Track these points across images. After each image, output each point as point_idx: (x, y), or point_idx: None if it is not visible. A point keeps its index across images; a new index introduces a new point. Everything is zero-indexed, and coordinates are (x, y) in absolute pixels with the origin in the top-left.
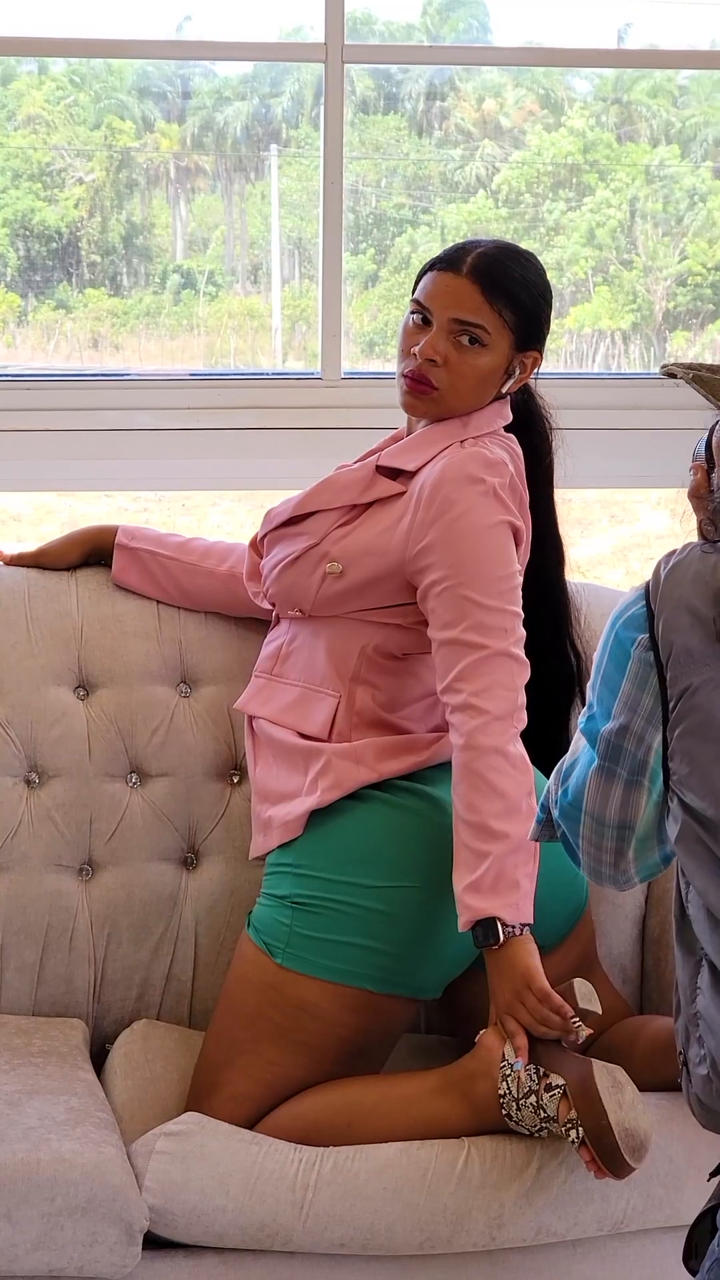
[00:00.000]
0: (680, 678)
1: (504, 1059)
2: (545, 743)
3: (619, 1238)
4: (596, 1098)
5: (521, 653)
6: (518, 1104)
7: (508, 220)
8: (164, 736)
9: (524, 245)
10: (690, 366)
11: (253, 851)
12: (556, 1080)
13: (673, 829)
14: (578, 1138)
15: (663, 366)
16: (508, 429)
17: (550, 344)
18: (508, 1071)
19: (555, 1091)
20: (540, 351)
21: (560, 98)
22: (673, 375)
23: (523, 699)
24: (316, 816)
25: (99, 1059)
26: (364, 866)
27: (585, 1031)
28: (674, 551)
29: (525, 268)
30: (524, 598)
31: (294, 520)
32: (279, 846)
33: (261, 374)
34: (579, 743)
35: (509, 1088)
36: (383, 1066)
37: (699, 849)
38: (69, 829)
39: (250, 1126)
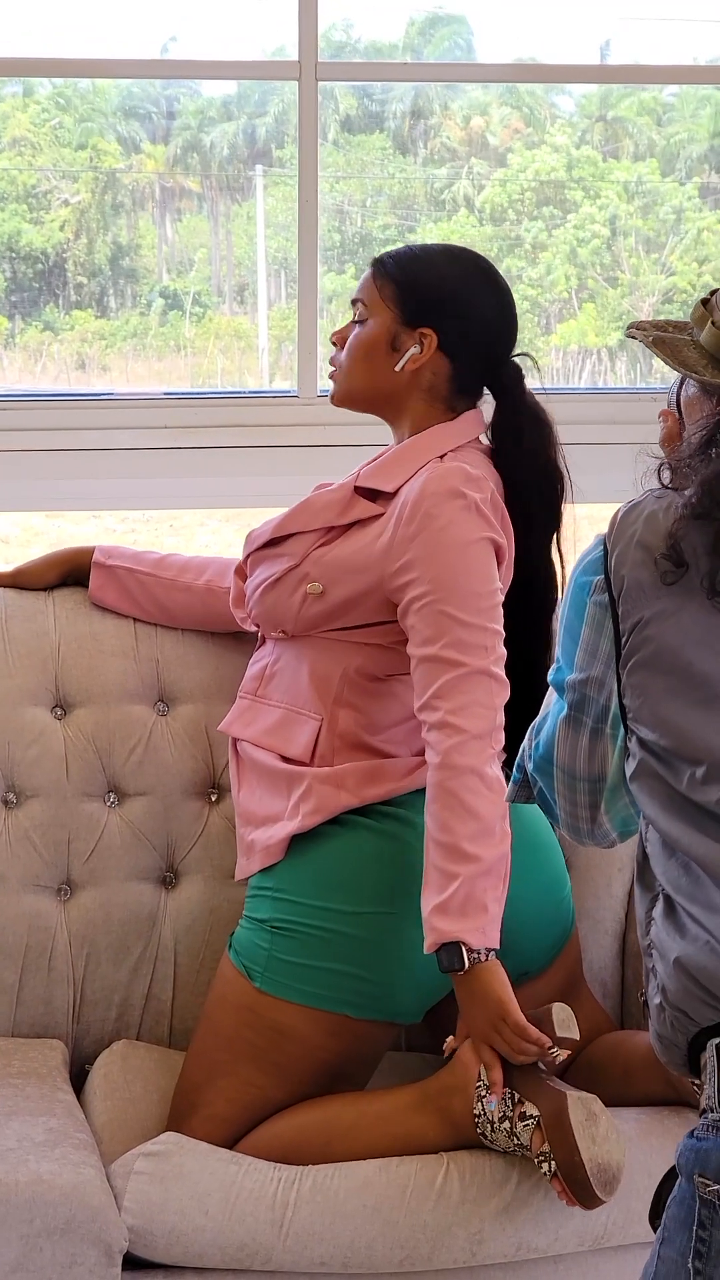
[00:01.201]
0: (632, 611)
1: (479, 1079)
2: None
3: (600, 1253)
4: (570, 1132)
5: (501, 672)
6: (492, 1126)
7: (491, 239)
8: (142, 755)
9: (507, 263)
10: (655, 325)
11: (237, 874)
12: (531, 1110)
13: (630, 767)
14: (550, 1171)
15: (627, 328)
16: (497, 446)
17: (537, 360)
18: (483, 1093)
19: (529, 1122)
20: (435, 330)
21: (545, 116)
22: (634, 336)
23: (501, 719)
24: (298, 841)
25: (79, 1080)
26: (343, 892)
27: (562, 1056)
28: (632, 499)
29: (427, 254)
30: (509, 615)
31: (274, 542)
32: (260, 870)
33: (238, 393)
34: (549, 697)
35: (482, 1108)
36: (364, 1088)
37: (652, 782)
38: (47, 849)
39: (229, 1147)
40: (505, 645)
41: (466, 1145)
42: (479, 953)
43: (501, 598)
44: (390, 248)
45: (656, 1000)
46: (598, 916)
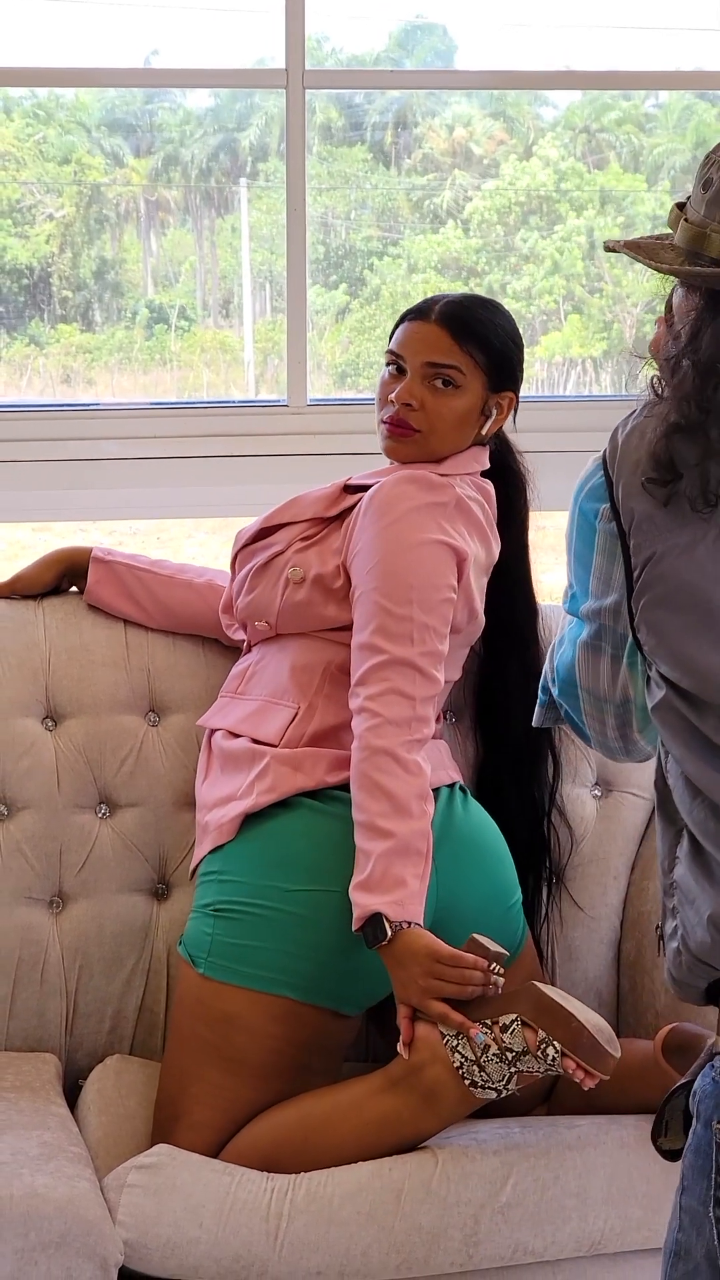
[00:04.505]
0: (643, 545)
1: (443, 1035)
2: (516, 801)
3: (597, 1261)
4: (557, 1008)
5: (430, 667)
6: (479, 1065)
7: (479, 251)
8: (133, 766)
9: (495, 274)
10: (628, 240)
11: (192, 862)
12: (507, 1018)
13: (653, 698)
14: (557, 1053)
15: (605, 245)
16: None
17: (522, 372)
18: (455, 1043)
19: (513, 1027)
20: (516, 394)
21: (528, 127)
22: (613, 249)
23: (424, 712)
24: (249, 824)
25: (72, 1094)
26: (283, 870)
27: (502, 976)
28: (631, 414)
29: (493, 313)
30: (493, 648)
31: (262, 534)
32: (210, 852)
33: (228, 402)
34: (565, 619)
35: (463, 1056)
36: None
37: (673, 718)
38: (39, 861)
39: (215, 1154)
40: (493, 658)
41: (443, 1119)
42: (399, 924)
43: (450, 597)
44: (446, 299)
45: (675, 944)
46: (593, 926)
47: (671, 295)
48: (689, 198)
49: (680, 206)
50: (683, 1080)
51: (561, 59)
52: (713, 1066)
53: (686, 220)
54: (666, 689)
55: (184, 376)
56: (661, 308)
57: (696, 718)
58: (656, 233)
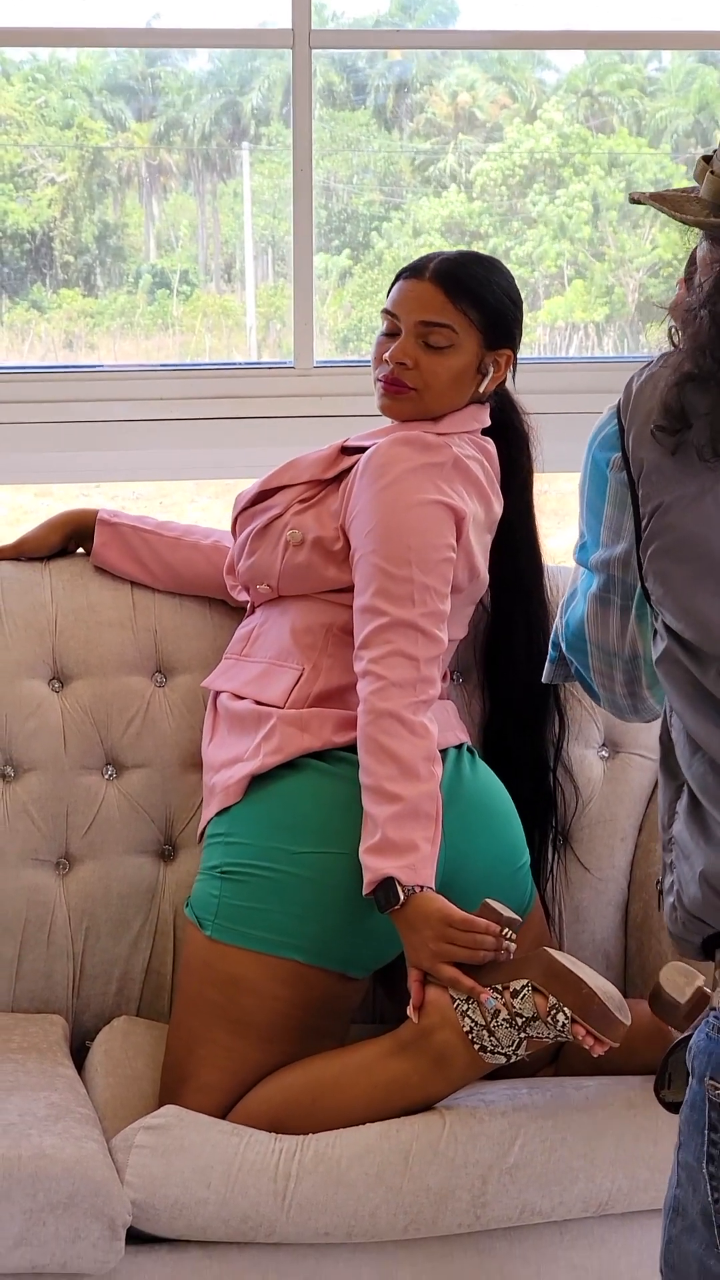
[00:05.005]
0: (652, 495)
1: (454, 1000)
2: (522, 760)
3: (605, 1222)
4: (568, 974)
5: (432, 627)
6: (489, 1030)
7: (482, 214)
8: (139, 727)
9: (498, 238)
10: (653, 192)
11: (199, 824)
12: (518, 983)
13: (656, 650)
14: (567, 1019)
15: (629, 196)
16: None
17: (524, 337)
18: (465, 1007)
19: (524, 992)
20: (514, 350)
21: (531, 91)
22: (638, 201)
23: (429, 672)
24: (256, 785)
25: (79, 1056)
26: (291, 832)
27: (514, 942)
28: (647, 365)
29: (489, 270)
30: (499, 606)
31: (261, 496)
32: (217, 814)
33: (234, 364)
34: (576, 573)
35: (473, 1021)
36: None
37: (677, 670)
38: (45, 823)
39: (223, 1115)
40: (499, 616)
41: (453, 1082)
42: (411, 888)
43: (450, 556)
44: (441, 256)
45: (671, 900)
46: (601, 888)
47: (695, 250)
48: (716, 151)
49: (707, 160)
50: (685, 1034)
51: (564, 23)
52: (708, 1022)
53: (714, 173)
54: (670, 640)
55: (186, 341)
56: (666, 273)
57: (699, 670)
58: (682, 185)
